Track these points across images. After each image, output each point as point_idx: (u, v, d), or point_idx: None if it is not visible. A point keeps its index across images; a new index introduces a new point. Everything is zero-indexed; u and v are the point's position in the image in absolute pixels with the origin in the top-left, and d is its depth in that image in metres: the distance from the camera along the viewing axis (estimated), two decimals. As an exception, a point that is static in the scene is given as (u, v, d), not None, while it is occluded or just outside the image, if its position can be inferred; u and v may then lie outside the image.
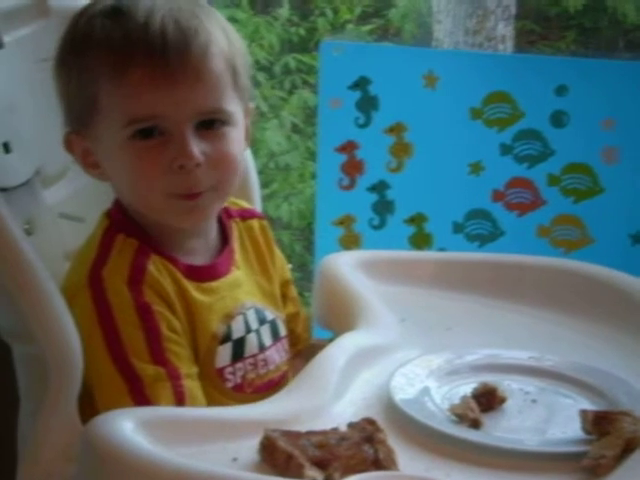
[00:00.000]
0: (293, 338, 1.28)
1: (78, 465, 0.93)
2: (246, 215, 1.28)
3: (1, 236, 1.03)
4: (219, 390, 1.15)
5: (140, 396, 1.06)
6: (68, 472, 0.96)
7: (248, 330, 1.18)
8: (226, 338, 1.15)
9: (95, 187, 1.25)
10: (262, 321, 1.21)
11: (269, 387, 1.19)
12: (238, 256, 1.23)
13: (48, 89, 1.18)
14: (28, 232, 1.18)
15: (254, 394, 1.17)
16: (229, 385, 1.15)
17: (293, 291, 1.33)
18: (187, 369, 1.09)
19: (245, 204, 1.31)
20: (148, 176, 1.11)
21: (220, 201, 1.18)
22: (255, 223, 1.28)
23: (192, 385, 1.08)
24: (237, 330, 1.17)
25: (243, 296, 1.20)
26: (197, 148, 1.11)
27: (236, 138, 1.15)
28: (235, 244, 1.24)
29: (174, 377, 1.07)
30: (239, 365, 1.17)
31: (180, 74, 1.09)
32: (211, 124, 1.13)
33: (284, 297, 1.30)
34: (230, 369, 1.16)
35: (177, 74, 1.09)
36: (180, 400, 1.07)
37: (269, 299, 1.25)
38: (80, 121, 1.15)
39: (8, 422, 1.14)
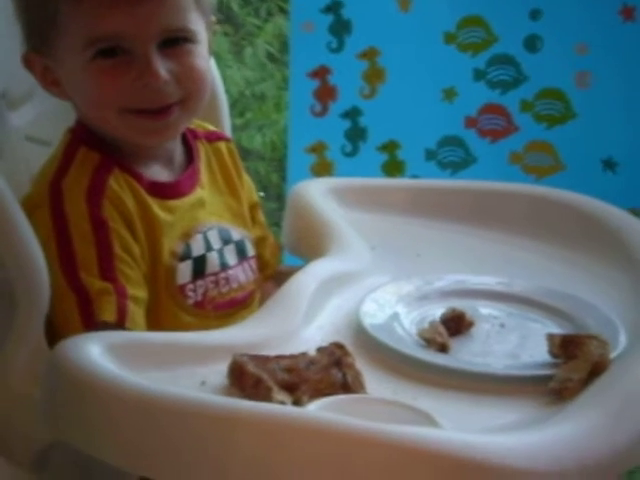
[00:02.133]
0: (261, 263, 1.29)
1: (44, 390, 0.92)
2: (212, 137, 1.28)
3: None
4: (180, 306, 1.15)
5: (86, 309, 1.06)
6: (37, 396, 0.95)
7: (209, 249, 1.18)
8: (185, 256, 1.16)
9: (62, 110, 1.23)
10: (226, 241, 1.21)
11: (231, 305, 1.19)
12: (204, 176, 1.23)
13: (10, 10, 1.15)
14: (-6, 156, 1.16)
15: (214, 311, 1.18)
16: (190, 302, 1.16)
17: (260, 215, 1.32)
18: (134, 291, 1.09)
19: (211, 127, 1.30)
20: (106, 92, 1.11)
21: (189, 117, 1.17)
22: (222, 145, 1.28)
23: (135, 310, 1.08)
24: (196, 248, 1.17)
25: (205, 216, 1.19)
26: (162, 67, 1.10)
27: (201, 54, 1.15)
28: (201, 164, 1.23)
29: (119, 294, 1.07)
30: (200, 282, 1.17)
31: None
32: (175, 42, 1.12)
33: (252, 220, 1.29)
34: (191, 286, 1.16)
35: None
36: (121, 317, 1.07)
37: (238, 219, 1.25)
38: (40, 40, 1.13)
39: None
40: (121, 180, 1.13)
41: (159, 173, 1.18)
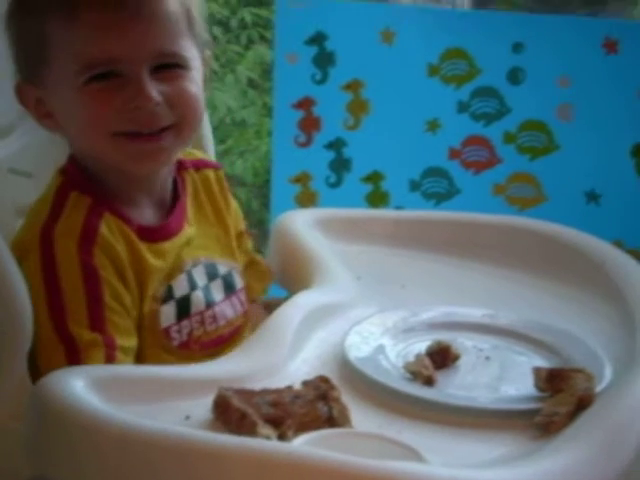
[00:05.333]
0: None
1: (27, 424, 0.91)
2: (200, 165, 1.27)
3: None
4: (165, 349, 1.14)
5: (74, 360, 1.05)
6: (19, 431, 0.94)
7: (193, 287, 1.17)
8: (167, 298, 1.14)
9: (45, 142, 1.23)
10: (212, 276, 1.20)
11: (218, 343, 1.18)
12: (190, 210, 1.22)
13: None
14: (-24, 187, 1.16)
15: (201, 350, 1.16)
16: (175, 343, 1.14)
17: (247, 243, 1.31)
18: (123, 342, 1.08)
19: (200, 154, 1.30)
20: (98, 115, 1.10)
21: (181, 144, 1.17)
22: (211, 173, 1.27)
23: (123, 360, 1.07)
24: (179, 289, 1.16)
25: (190, 252, 1.18)
26: (155, 89, 1.10)
27: (193, 79, 1.14)
28: (187, 198, 1.22)
29: (109, 345, 1.06)
30: (185, 323, 1.15)
31: (135, 15, 1.09)
32: (167, 67, 1.12)
33: (238, 248, 1.28)
34: (176, 327, 1.15)
35: (132, 15, 1.08)
36: None
37: (225, 250, 1.24)
38: (32, 70, 1.13)
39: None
40: (112, 225, 1.12)
41: (148, 214, 1.17)
